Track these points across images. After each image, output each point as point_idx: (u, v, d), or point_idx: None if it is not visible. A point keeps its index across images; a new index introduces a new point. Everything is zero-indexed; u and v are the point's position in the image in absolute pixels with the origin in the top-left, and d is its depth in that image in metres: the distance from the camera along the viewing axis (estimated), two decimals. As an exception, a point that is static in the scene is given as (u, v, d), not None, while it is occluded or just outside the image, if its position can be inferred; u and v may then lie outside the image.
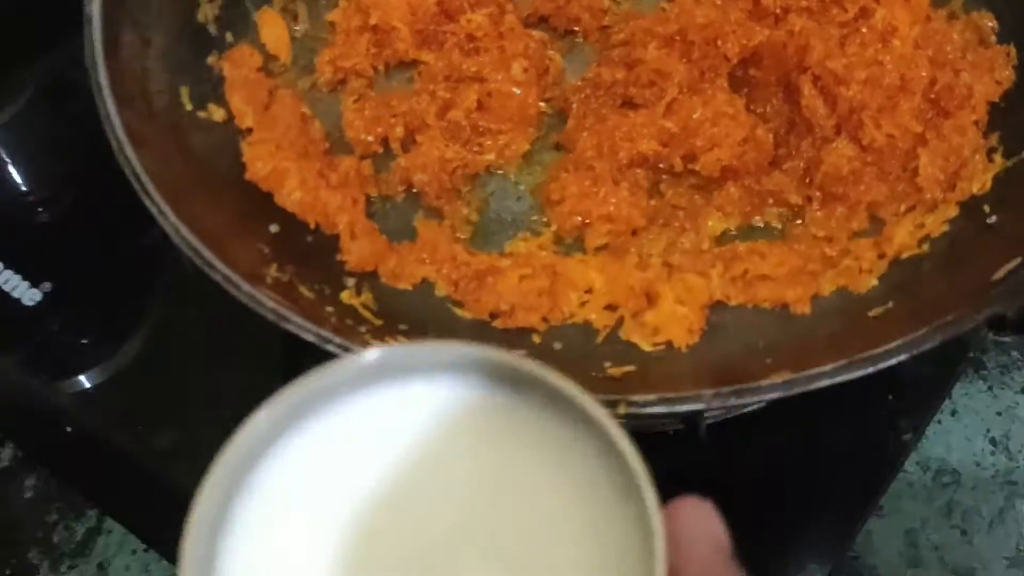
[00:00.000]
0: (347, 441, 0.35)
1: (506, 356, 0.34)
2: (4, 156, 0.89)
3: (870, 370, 0.52)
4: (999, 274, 0.57)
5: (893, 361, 0.53)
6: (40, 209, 0.87)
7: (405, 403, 0.35)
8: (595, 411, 0.33)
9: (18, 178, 0.88)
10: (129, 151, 0.60)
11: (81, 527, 0.86)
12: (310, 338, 0.54)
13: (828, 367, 0.53)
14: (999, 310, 0.52)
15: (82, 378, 0.80)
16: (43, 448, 0.89)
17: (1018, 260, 0.57)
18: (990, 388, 0.88)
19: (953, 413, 0.86)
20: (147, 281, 0.84)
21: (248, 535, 0.34)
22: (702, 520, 0.34)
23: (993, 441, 0.86)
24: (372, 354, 0.34)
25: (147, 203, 0.58)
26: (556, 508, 0.33)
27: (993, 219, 0.67)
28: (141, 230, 0.77)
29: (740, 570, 0.35)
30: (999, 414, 0.87)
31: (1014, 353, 0.89)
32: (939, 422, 0.86)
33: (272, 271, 0.64)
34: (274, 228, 0.69)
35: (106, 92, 0.62)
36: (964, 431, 0.86)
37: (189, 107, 0.70)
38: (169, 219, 0.58)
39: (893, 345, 0.53)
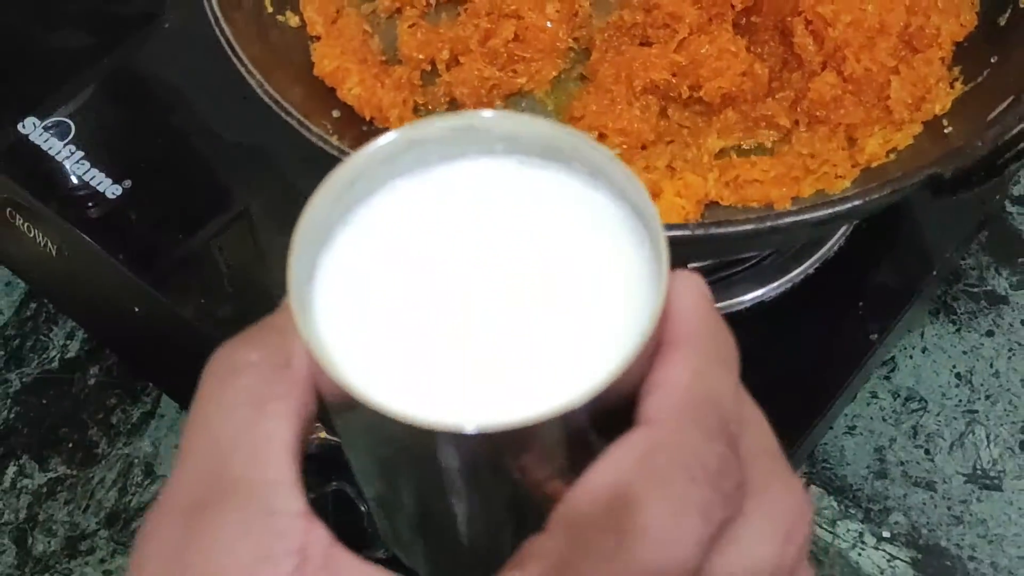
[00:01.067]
0: (432, 199, 0.39)
1: (556, 130, 0.39)
2: (67, 150, 0.97)
3: (825, 212, 0.63)
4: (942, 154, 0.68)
5: (847, 206, 0.64)
6: (90, 204, 0.94)
7: (481, 172, 0.40)
8: (611, 165, 0.38)
9: (73, 175, 0.96)
10: (225, 27, 0.72)
11: (137, 411, 0.97)
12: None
13: (793, 208, 0.63)
14: (936, 171, 0.63)
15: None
16: (112, 335, 0.99)
17: (960, 143, 0.68)
18: (958, 330, 0.98)
19: (924, 351, 0.97)
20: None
21: (344, 255, 0.38)
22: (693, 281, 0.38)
23: (958, 375, 0.96)
24: (469, 116, 0.39)
25: (235, 61, 0.70)
26: (584, 252, 0.38)
27: (949, 130, 0.78)
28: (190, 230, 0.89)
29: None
30: (965, 353, 0.97)
31: (982, 302, 1.00)
32: (911, 357, 0.96)
33: (335, 139, 0.75)
34: (336, 113, 0.81)
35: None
36: (933, 366, 0.96)
37: (271, 10, 0.82)
38: (255, 76, 0.70)
39: (851, 193, 0.64)
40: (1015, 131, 0.60)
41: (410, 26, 0.89)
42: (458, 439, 0.32)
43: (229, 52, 0.70)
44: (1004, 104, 0.70)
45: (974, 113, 0.76)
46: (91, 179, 0.94)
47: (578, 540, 0.31)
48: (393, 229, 0.39)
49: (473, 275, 0.38)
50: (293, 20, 0.84)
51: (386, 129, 0.81)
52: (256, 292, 0.87)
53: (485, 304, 0.37)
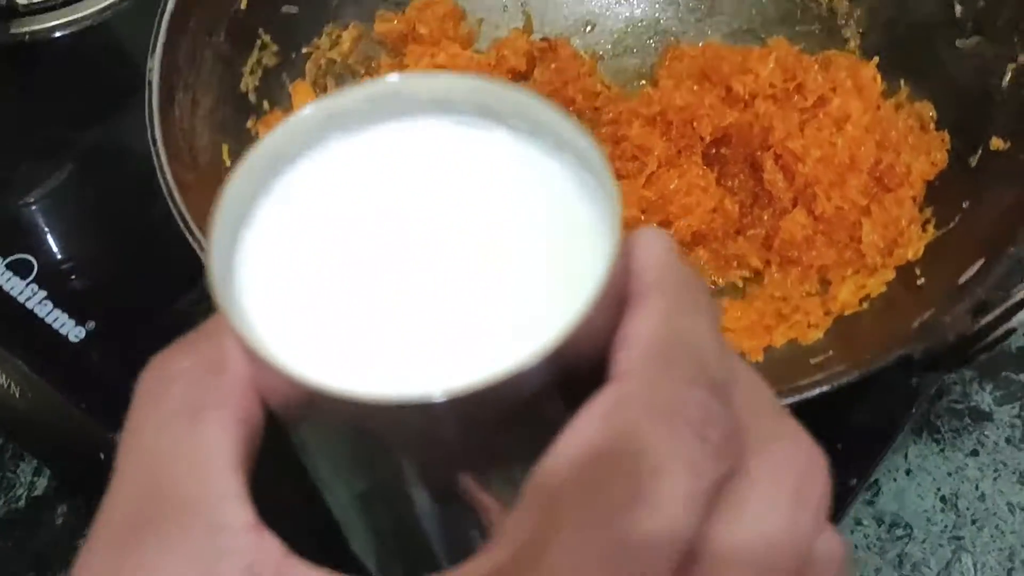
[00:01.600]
0: (361, 164, 0.37)
1: (502, 89, 0.36)
2: (44, 226, 0.97)
3: (795, 398, 0.61)
4: (915, 323, 0.67)
5: (816, 392, 0.62)
6: (73, 277, 0.94)
7: (410, 134, 0.37)
8: (561, 123, 0.35)
9: (55, 247, 0.95)
10: (177, 196, 0.70)
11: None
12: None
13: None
14: (907, 351, 0.61)
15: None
16: (78, 477, 0.97)
17: (931, 311, 0.66)
18: (942, 450, 0.96)
19: (908, 472, 0.95)
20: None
21: (269, 232, 0.35)
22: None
23: (943, 499, 0.94)
24: (393, 78, 0.36)
25: (190, 239, 0.68)
26: (528, 208, 0.35)
27: (922, 281, 0.76)
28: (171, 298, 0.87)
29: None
30: (950, 474, 0.95)
31: (966, 419, 0.98)
32: (895, 480, 0.94)
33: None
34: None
35: (160, 145, 0.72)
36: (917, 489, 0.94)
37: (229, 164, 0.81)
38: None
39: (819, 377, 0.62)
40: (984, 321, 0.58)
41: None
42: (427, 410, 0.29)
43: (182, 225, 0.69)
44: (975, 267, 0.68)
45: (946, 266, 0.74)
46: (54, 321, 0.92)
47: (551, 513, 0.27)
48: (319, 201, 0.36)
49: (412, 241, 0.35)
50: (253, 170, 0.82)
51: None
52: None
53: (429, 270, 0.34)
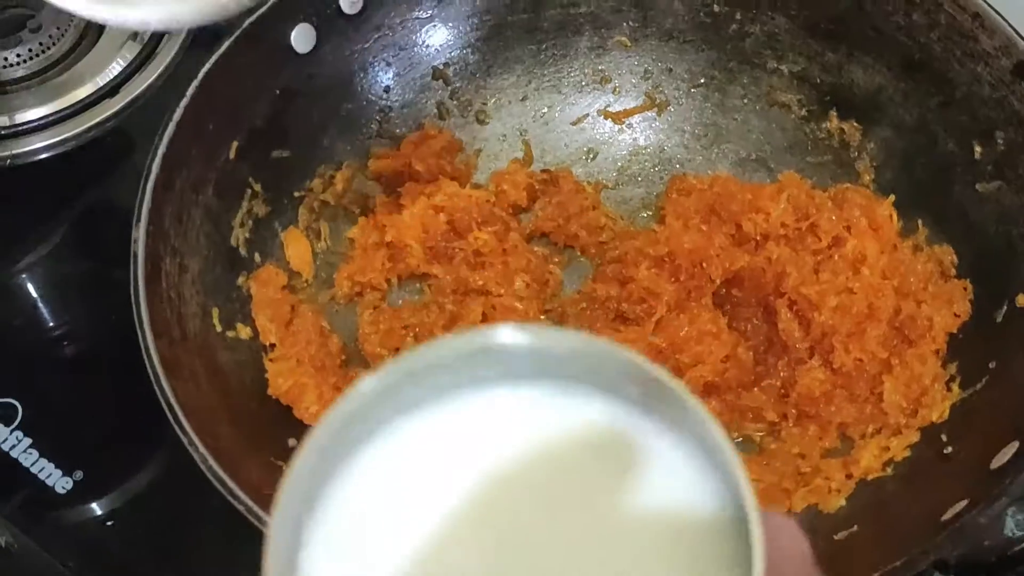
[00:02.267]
0: (437, 450, 0.33)
1: (650, 365, 0.31)
2: (34, 293, 0.95)
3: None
4: (947, 515, 0.63)
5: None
6: (65, 343, 0.93)
7: (518, 408, 0.33)
8: (702, 414, 0.31)
9: (46, 315, 0.94)
10: (164, 382, 0.67)
11: None
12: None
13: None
14: (942, 556, 0.58)
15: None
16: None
17: (963, 503, 0.63)
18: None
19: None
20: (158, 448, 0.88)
21: (334, 523, 0.33)
22: (791, 534, 0.34)
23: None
24: (507, 331, 0.32)
25: (179, 432, 0.65)
26: (646, 511, 0.32)
27: (949, 450, 0.73)
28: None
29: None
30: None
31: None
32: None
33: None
34: (292, 443, 0.75)
35: (146, 326, 0.69)
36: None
37: (219, 328, 0.77)
38: (198, 449, 0.65)
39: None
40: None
41: (371, 313, 0.84)
42: None
43: (171, 417, 0.65)
44: (1009, 450, 0.65)
45: (975, 436, 0.71)
46: (40, 471, 0.88)
47: None
48: (392, 485, 0.33)
49: (494, 546, 0.32)
50: (245, 332, 0.79)
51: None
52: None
53: None
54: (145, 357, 0.68)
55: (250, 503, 0.63)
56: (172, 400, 0.66)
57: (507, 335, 0.32)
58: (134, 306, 0.70)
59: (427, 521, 0.32)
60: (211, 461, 0.64)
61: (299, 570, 0.32)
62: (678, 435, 0.32)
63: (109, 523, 0.86)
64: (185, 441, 0.65)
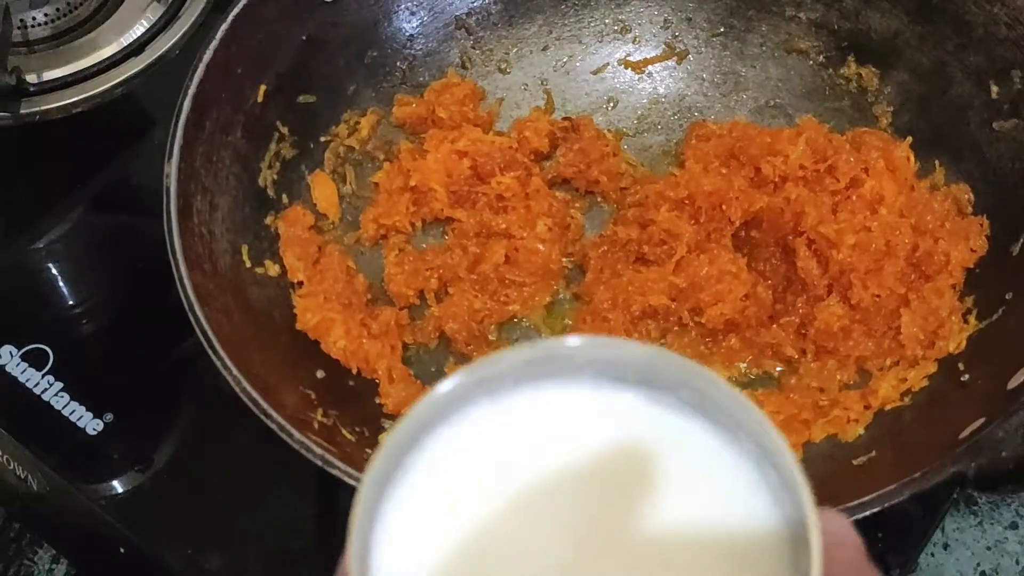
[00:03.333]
0: (509, 438, 0.35)
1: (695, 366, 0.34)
2: (55, 271, 0.96)
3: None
4: (964, 433, 0.64)
5: (867, 512, 0.60)
6: (84, 321, 0.94)
7: (570, 404, 0.35)
8: (756, 418, 0.33)
9: (66, 291, 0.95)
10: (198, 310, 0.68)
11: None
12: (352, 482, 0.62)
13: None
14: (960, 468, 0.59)
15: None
16: (97, 569, 0.95)
17: (980, 421, 0.64)
18: (980, 523, 0.93)
19: (945, 547, 0.92)
20: (184, 390, 0.90)
21: (407, 513, 0.34)
22: (843, 528, 0.36)
23: (983, 574, 0.91)
24: (574, 340, 0.34)
25: (213, 357, 0.67)
26: (700, 520, 0.33)
27: (966, 377, 0.74)
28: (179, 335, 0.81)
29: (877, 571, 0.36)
30: (989, 548, 0.92)
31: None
32: (932, 555, 0.92)
33: (319, 416, 0.72)
34: (320, 374, 0.77)
35: (179, 256, 0.70)
36: (956, 564, 0.91)
37: (248, 264, 0.79)
38: (232, 372, 0.66)
39: (868, 499, 0.60)
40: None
41: (396, 255, 0.86)
42: None
43: (205, 343, 0.67)
44: (1023, 375, 0.66)
45: (992, 363, 0.72)
46: (71, 413, 0.90)
47: None
48: (463, 478, 0.35)
49: (558, 538, 0.33)
50: (273, 269, 0.80)
51: (373, 382, 0.78)
52: (249, 539, 0.83)
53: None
54: (179, 286, 0.70)
55: (283, 421, 0.65)
56: (206, 327, 0.68)
57: (575, 343, 0.34)
58: (167, 238, 0.71)
59: (497, 496, 0.34)
60: (245, 383, 0.66)
61: (382, 516, 0.33)
62: (734, 437, 0.34)
63: (140, 466, 0.88)
64: (219, 365, 0.67)
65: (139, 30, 1.01)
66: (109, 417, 0.89)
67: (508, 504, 0.34)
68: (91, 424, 0.89)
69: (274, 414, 0.65)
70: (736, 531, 0.32)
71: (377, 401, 0.78)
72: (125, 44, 1.00)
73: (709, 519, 0.33)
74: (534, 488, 0.34)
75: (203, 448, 0.88)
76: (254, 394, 0.65)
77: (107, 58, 0.98)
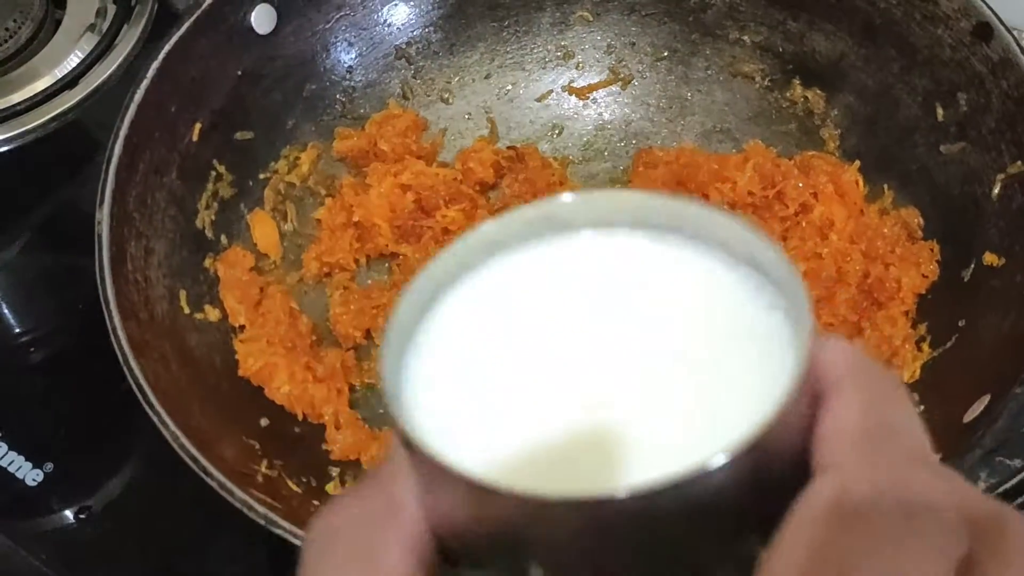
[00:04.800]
0: (528, 278, 0.37)
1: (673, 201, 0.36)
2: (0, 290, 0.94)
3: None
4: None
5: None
6: (32, 349, 0.91)
7: (578, 250, 0.37)
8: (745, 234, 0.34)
9: (12, 320, 0.93)
10: (133, 363, 0.66)
11: None
12: (297, 541, 0.60)
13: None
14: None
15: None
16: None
17: (936, 456, 0.63)
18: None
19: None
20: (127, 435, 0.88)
21: (437, 349, 0.36)
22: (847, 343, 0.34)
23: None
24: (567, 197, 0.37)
25: (150, 413, 0.64)
26: (707, 311, 0.35)
27: (921, 408, 0.73)
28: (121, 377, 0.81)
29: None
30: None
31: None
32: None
33: (263, 467, 0.70)
34: (264, 422, 0.75)
35: (113, 306, 0.68)
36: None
37: (187, 310, 0.76)
38: (169, 427, 0.64)
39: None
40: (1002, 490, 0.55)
41: (341, 293, 0.84)
42: (611, 507, 0.28)
43: (141, 398, 0.64)
44: (980, 404, 0.65)
45: (947, 394, 0.71)
46: (10, 464, 0.87)
47: None
48: (488, 314, 0.36)
49: (585, 346, 0.35)
50: (213, 314, 0.78)
51: (320, 428, 0.76)
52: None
53: (606, 374, 0.34)
54: (113, 338, 0.67)
55: (223, 479, 0.63)
56: (142, 380, 0.65)
57: (569, 197, 0.37)
58: (100, 288, 0.69)
59: (522, 337, 0.36)
60: (183, 439, 0.64)
61: (407, 366, 0.34)
62: (735, 262, 0.35)
63: (82, 515, 0.85)
64: (156, 420, 0.64)
65: (73, 61, 0.98)
66: (49, 467, 0.87)
67: (536, 333, 0.36)
68: (30, 475, 0.86)
69: (215, 472, 0.63)
70: (742, 327, 0.34)
71: (324, 447, 0.76)
72: (59, 76, 0.97)
73: (717, 318, 0.35)
74: (547, 315, 0.36)
75: (147, 496, 0.86)
76: (193, 451, 0.63)
77: (40, 92, 0.96)
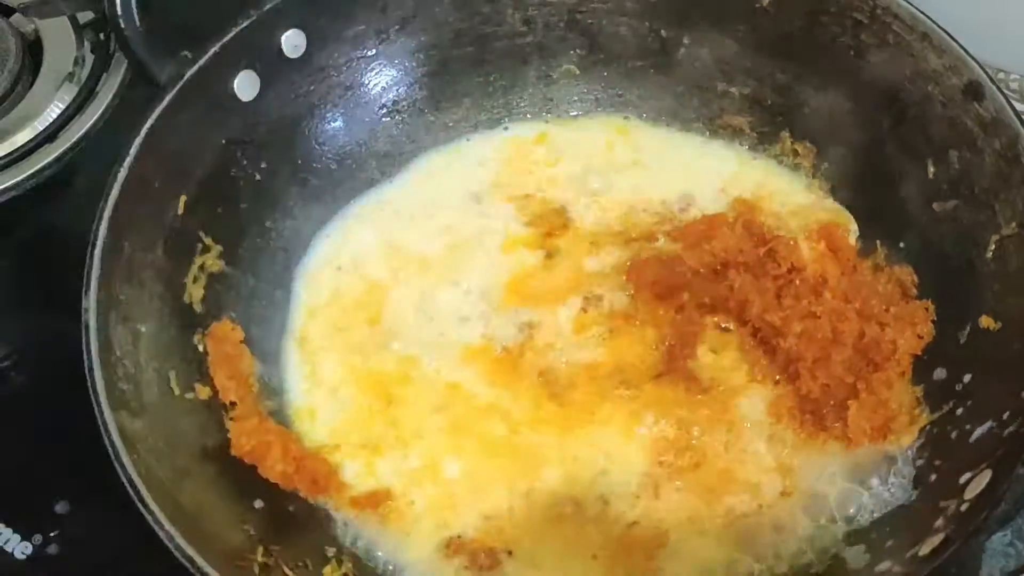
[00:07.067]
0: None
1: None
2: None
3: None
4: (924, 550, 0.63)
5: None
6: (13, 373, 0.91)
7: None
8: None
9: None
10: (125, 458, 0.65)
11: None
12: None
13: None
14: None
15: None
16: None
17: (940, 537, 0.62)
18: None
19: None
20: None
21: None
22: None
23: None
24: None
25: (144, 512, 0.63)
26: None
27: (919, 468, 0.73)
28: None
29: None
30: None
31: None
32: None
33: (259, 556, 0.69)
34: (259, 504, 0.74)
35: (102, 399, 0.67)
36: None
37: (178, 391, 0.75)
38: (164, 527, 0.63)
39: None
40: None
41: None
42: None
43: (134, 495, 0.64)
44: (981, 479, 0.64)
45: (947, 458, 0.71)
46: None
47: None
48: None
49: None
50: (204, 392, 0.77)
51: (315, 508, 0.75)
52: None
53: None
54: (103, 433, 0.66)
55: (219, 579, 0.61)
56: (135, 478, 0.64)
57: None
58: (88, 380, 0.68)
59: None
60: (179, 539, 0.63)
61: None
62: None
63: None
64: (150, 520, 0.63)
65: (54, 112, 0.97)
66: (38, 539, 0.85)
67: None
68: (19, 548, 0.85)
69: (210, 572, 0.61)
70: None
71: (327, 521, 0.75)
72: (40, 129, 0.96)
73: None
74: None
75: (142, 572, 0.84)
76: (189, 551, 0.62)
77: (20, 147, 0.95)
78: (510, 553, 0.75)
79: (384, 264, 0.87)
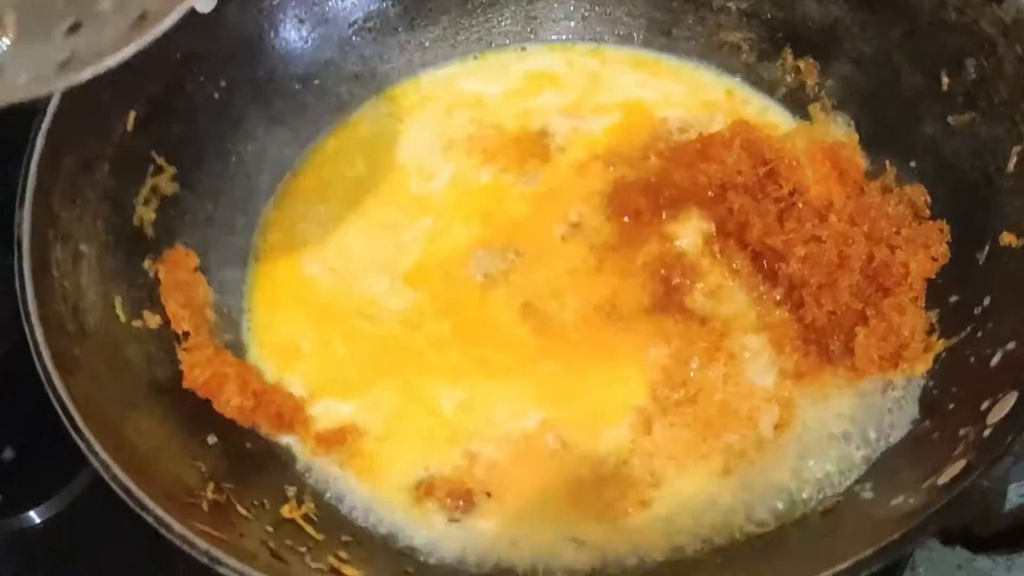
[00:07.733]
0: None
1: None
2: None
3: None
4: (944, 479, 0.57)
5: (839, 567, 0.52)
6: None
7: None
8: None
9: None
10: (57, 380, 0.59)
11: None
12: (243, 581, 0.53)
13: None
14: (946, 525, 0.51)
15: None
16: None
17: (962, 464, 0.56)
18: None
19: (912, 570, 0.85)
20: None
21: None
22: None
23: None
24: None
25: (76, 439, 0.57)
26: None
27: (937, 398, 0.67)
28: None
29: None
30: (959, 567, 0.86)
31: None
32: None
33: (209, 492, 0.62)
34: (212, 440, 0.68)
35: (34, 319, 0.61)
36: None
37: (123, 318, 0.69)
38: (99, 456, 0.57)
39: (846, 565, 0.52)
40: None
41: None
42: None
43: (66, 421, 0.57)
44: (1007, 401, 0.58)
45: (966, 386, 0.64)
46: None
47: None
48: None
49: None
50: (153, 321, 0.71)
51: (274, 444, 0.69)
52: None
53: None
54: (35, 356, 0.60)
55: (161, 513, 0.55)
56: (67, 402, 0.58)
57: None
58: (20, 301, 0.62)
59: None
60: (115, 469, 0.56)
61: None
62: None
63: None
64: (84, 447, 0.57)
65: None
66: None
67: None
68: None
69: (151, 505, 0.55)
70: None
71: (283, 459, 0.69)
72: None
73: None
74: None
75: (98, 519, 0.78)
76: (126, 482, 0.56)
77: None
78: (489, 495, 0.69)
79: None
